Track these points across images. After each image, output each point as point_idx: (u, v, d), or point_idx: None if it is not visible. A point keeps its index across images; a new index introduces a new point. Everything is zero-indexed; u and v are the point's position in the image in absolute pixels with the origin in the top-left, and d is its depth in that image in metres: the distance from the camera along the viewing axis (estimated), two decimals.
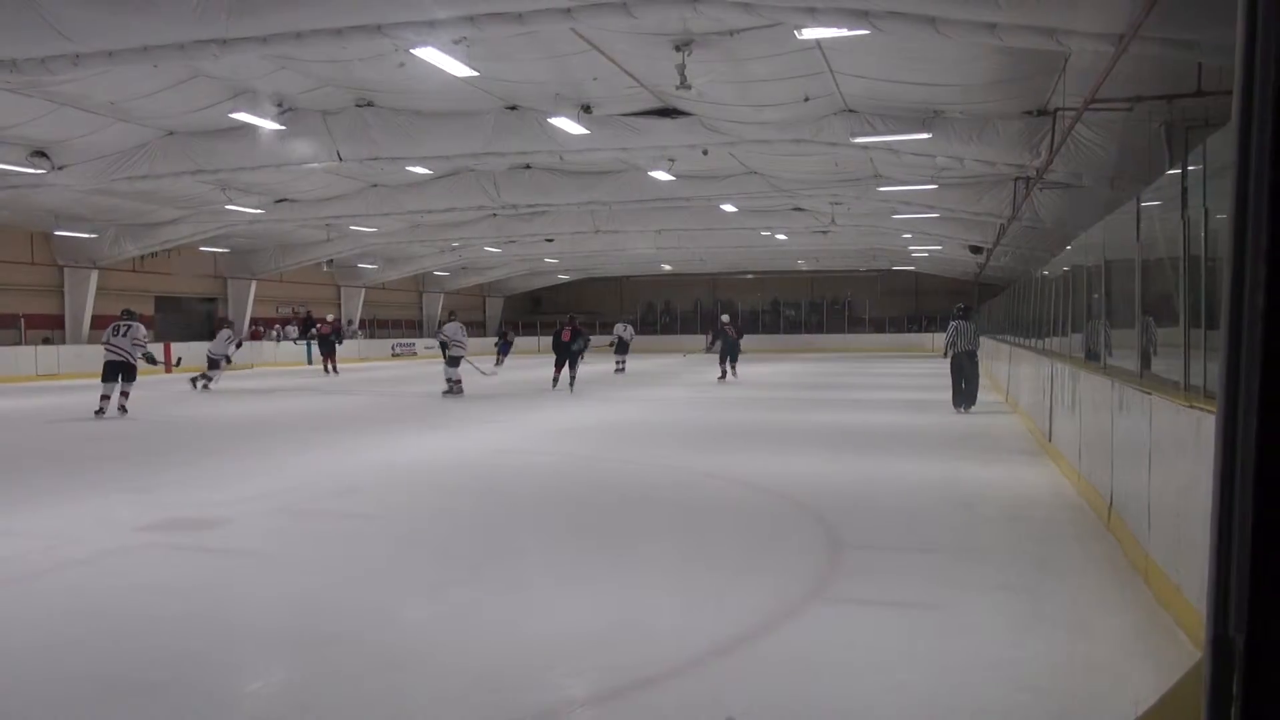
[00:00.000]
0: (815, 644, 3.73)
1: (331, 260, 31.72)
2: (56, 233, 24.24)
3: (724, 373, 20.53)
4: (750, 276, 46.95)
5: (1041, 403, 9.56)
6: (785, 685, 3.34)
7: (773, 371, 25.14)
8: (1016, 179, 16.82)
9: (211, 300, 31.14)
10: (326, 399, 16.44)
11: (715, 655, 3.60)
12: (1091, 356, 6.79)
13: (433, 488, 7.31)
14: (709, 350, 22.88)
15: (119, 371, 12.91)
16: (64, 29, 8.93)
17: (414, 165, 17.10)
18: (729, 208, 23.39)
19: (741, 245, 31.85)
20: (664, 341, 44.26)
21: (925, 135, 13.32)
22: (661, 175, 18.53)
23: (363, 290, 37.09)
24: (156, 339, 27.42)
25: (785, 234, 29.06)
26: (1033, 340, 12.20)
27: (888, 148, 14.23)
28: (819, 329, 44.65)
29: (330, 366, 24.09)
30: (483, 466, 8.40)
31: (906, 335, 41.56)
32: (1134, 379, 5.08)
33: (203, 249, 28.86)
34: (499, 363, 25.56)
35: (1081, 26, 7.75)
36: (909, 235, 27.35)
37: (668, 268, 42.47)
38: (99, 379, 13.03)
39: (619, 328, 24.97)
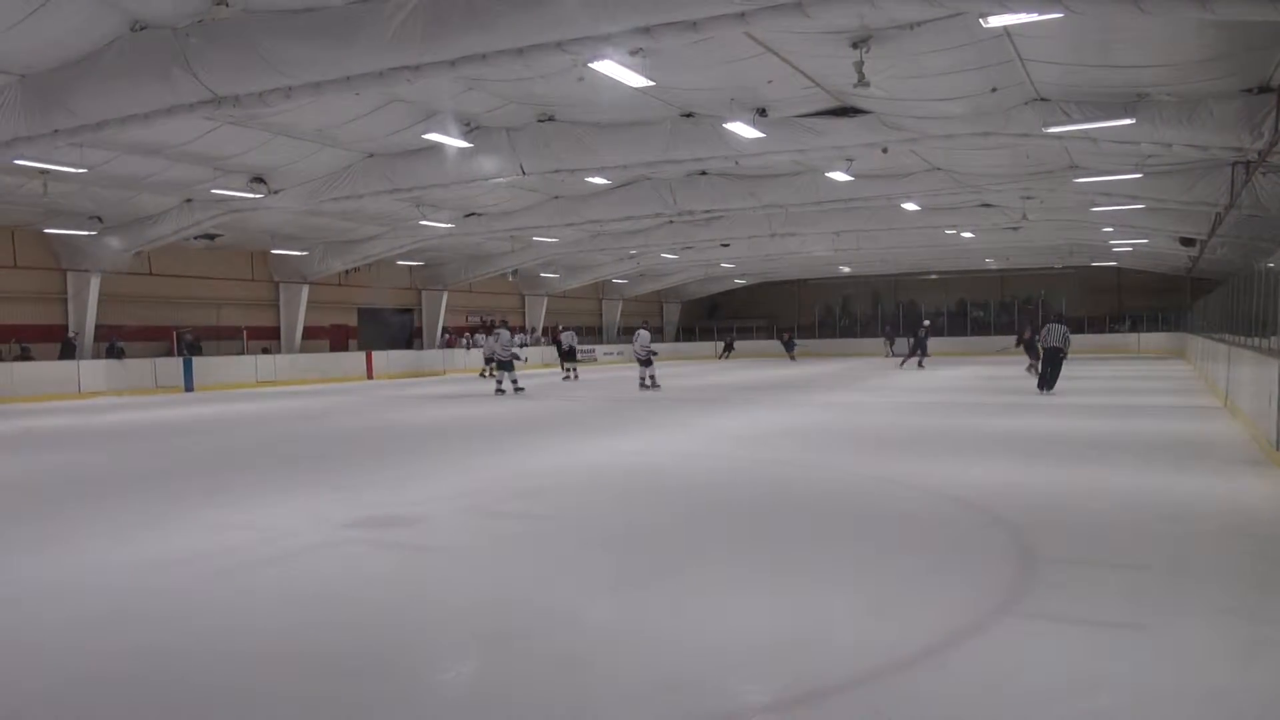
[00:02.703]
0: (1003, 662, 3.56)
1: (516, 270, 32.98)
2: (273, 251, 26.50)
3: (919, 364, 27.17)
4: (934, 277, 45.27)
5: (1268, 409, 8.71)
6: (969, 704, 3.21)
7: (959, 375, 24.12)
8: (1235, 163, 15.44)
9: (408, 311, 33.08)
10: (512, 403, 17.09)
11: (897, 668, 3.50)
12: None
13: (613, 490, 7.46)
14: (901, 343, 29.82)
15: (503, 365, 18.54)
16: (278, 65, 9.76)
17: (593, 176, 17.57)
18: (911, 206, 22.67)
19: (924, 245, 30.78)
20: (843, 345, 43.48)
21: (1128, 121, 12.44)
22: (839, 176, 18.18)
23: (545, 298, 38.40)
24: (360, 347, 29.47)
25: (972, 232, 27.85)
26: (1257, 339, 11.15)
27: (1085, 136, 13.37)
28: (1009, 330, 42.42)
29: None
30: (661, 470, 8.50)
31: (1108, 335, 38.89)
32: None
33: (399, 263, 30.72)
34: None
35: None
36: (1110, 229, 25.58)
37: (846, 270, 41.63)
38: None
39: (566, 335, 25.14)
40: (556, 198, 22.28)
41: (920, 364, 27.53)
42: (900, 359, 26.62)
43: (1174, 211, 20.92)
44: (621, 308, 43.99)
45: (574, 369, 24.51)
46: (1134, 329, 38.96)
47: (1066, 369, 22.09)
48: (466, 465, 8.94)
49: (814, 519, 6.30)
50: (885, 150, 15.22)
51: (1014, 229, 26.26)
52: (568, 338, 25.17)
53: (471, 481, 7.89)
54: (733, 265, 38.06)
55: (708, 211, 22.20)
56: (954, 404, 15.34)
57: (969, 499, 6.68)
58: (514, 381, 18.92)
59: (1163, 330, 37.99)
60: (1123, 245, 30.18)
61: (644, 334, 19.93)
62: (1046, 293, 42.52)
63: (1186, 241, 24.56)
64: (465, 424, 13.42)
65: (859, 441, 10.42)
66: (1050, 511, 6.24)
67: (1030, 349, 23.86)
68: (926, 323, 31.55)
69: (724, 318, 48.08)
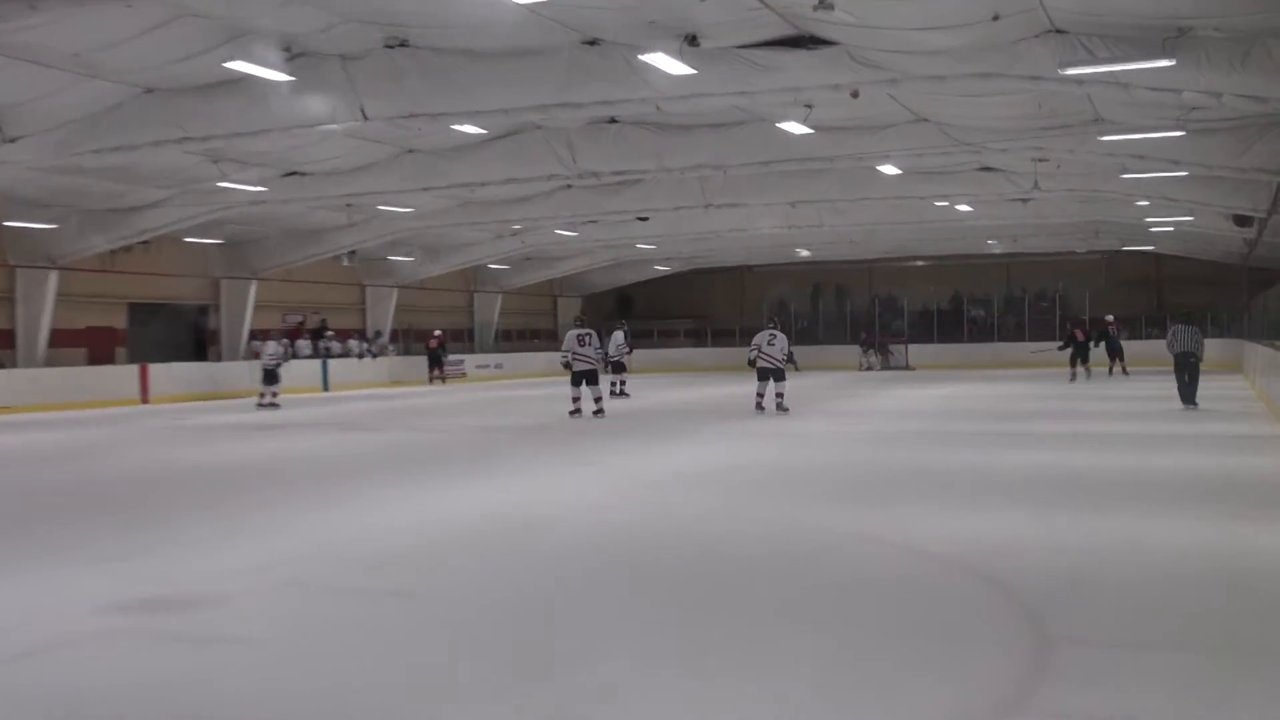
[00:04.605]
0: None
1: (354, 252, 32.54)
2: (6, 223, 25.59)
3: (1123, 369, 31.45)
4: (921, 263, 46.25)
5: None
6: None
7: (953, 395, 24.72)
8: None
9: (202, 308, 32.32)
10: (352, 437, 16.84)
11: None
12: None
13: (493, 556, 7.43)
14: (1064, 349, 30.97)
15: (583, 378, 19.00)
16: None
17: (462, 123, 17.45)
18: (890, 170, 23.15)
19: (907, 220, 31.45)
20: (801, 354, 43.60)
21: (1166, 62, 12.92)
22: (795, 128, 18.45)
23: (395, 291, 37.97)
24: (132, 358, 28.67)
25: (969, 204, 28.56)
26: None
27: (1113, 81, 13.87)
28: (1019, 334, 43.60)
29: (439, 377, 35.01)
30: (557, 526, 8.49)
31: (1144, 342, 40.19)
32: None
33: (189, 240, 30.04)
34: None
35: None
36: (1145, 202, 26.55)
37: (805, 253, 42.23)
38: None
39: (270, 347, 24.67)
40: (411, 152, 22.10)
41: (1124, 369, 31.44)
42: (873, 369, 28.79)
43: (1225, 181, 21.82)
44: (501, 303, 43.77)
45: (273, 393, 24.03)
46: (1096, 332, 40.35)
47: (1100, 388, 22.98)
48: (287, 524, 8.78)
49: (761, 591, 6.36)
50: (856, 94, 15.48)
51: (1023, 201, 27.01)
52: (271, 352, 24.24)
53: (293, 546, 7.76)
54: (652, 246, 38.26)
55: (619, 174, 22.27)
56: (945, 434, 15.69)
57: (964, 561, 6.84)
58: (617, 385, 22.76)
59: (1213, 335, 39.53)
60: (1162, 224, 31.30)
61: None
62: (1065, 285, 43.79)
63: (1241, 220, 25.57)
64: (285, 466, 13.20)
65: (820, 485, 10.58)
66: (1069, 577, 6.43)
67: (1082, 353, 29.81)
68: (1110, 318, 33.52)
69: (640, 316, 48.22)
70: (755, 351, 19.51)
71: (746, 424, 17.71)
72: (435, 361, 35.48)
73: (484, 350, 41.48)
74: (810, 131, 18.79)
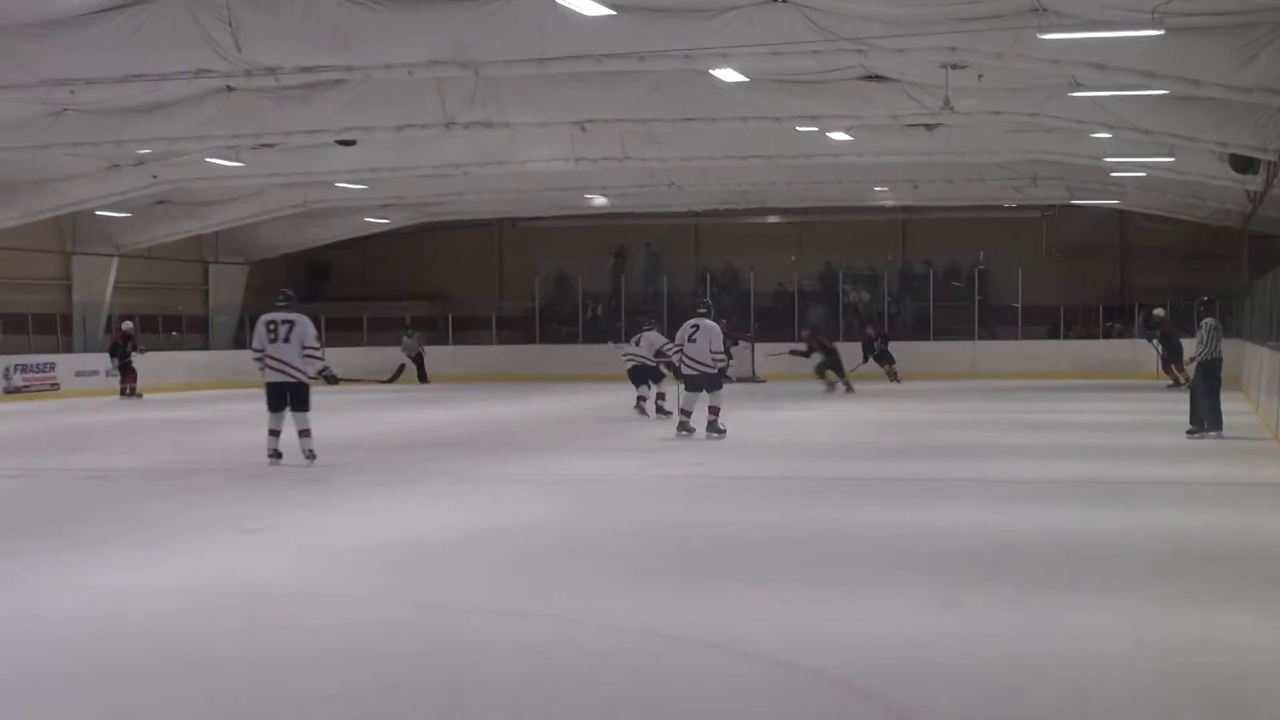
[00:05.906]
0: None
1: None
2: None
3: (1175, 380, 33.28)
4: (774, 220, 46.80)
5: None
6: None
7: (824, 419, 25.19)
8: None
9: None
10: None
11: None
12: None
13: (99, 675, 7.27)
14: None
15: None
16: None
17: None
18: (729, 76, 23.43)
19: (755, 154, 31.80)
20: (589, 356, 42.94)
21: None
22: (587, 6, 18.55)
23: None
24: None
25: (848, 131, 29.11)
26: None
27: None
28: (921, 330, 44.65)
29: (130, 389, 36.01)
30: (219, 630, 8.37)
31: (1102, 343, 41.63)
32: None
33: None
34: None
35: None
36: (1105, 135, 27.45)
37: (600, 201, 42.34)
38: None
39: None
40: None
41: (1181, 380, 32.68)
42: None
43: (1219, 105, 22.76)
44: (118, 272, 42.64)
45: None
46: (1148, 330, 42.01)
47: (1016, 413, 23.97)
48: None
49: None
50: None
51: (928, 128, 27.63)
52: None
53: None
54: (362, 187, 37.82)
55: (308, 70, 21.95)
56: (811, 479, 16.00)
57: (842, 675, 6.97)
58: (660, 397, 24.23)
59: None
60: (1129, 167, 32.45)
61: None
62: (988, 256, 44.94)
63: (1241, 163, 26.71)
64: None
65: (625, 558, 10.70)
66: (991, 690, 6.62)
67: (882, 358, 33.22)
68: (1160, 312, 35.96)
69: (341, 295, 47.65)
70: (677, 353, 20.16)
71: (511, 462, 17.75)
72: (122, 366, 36.25)
73: (90, 347, 40.34)
74: (610, 13, 18.89)
